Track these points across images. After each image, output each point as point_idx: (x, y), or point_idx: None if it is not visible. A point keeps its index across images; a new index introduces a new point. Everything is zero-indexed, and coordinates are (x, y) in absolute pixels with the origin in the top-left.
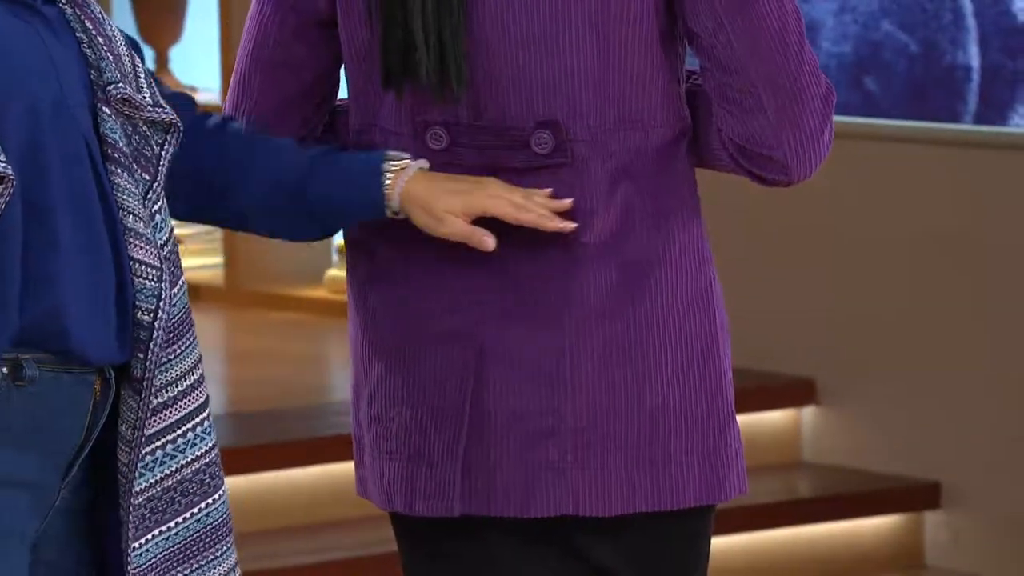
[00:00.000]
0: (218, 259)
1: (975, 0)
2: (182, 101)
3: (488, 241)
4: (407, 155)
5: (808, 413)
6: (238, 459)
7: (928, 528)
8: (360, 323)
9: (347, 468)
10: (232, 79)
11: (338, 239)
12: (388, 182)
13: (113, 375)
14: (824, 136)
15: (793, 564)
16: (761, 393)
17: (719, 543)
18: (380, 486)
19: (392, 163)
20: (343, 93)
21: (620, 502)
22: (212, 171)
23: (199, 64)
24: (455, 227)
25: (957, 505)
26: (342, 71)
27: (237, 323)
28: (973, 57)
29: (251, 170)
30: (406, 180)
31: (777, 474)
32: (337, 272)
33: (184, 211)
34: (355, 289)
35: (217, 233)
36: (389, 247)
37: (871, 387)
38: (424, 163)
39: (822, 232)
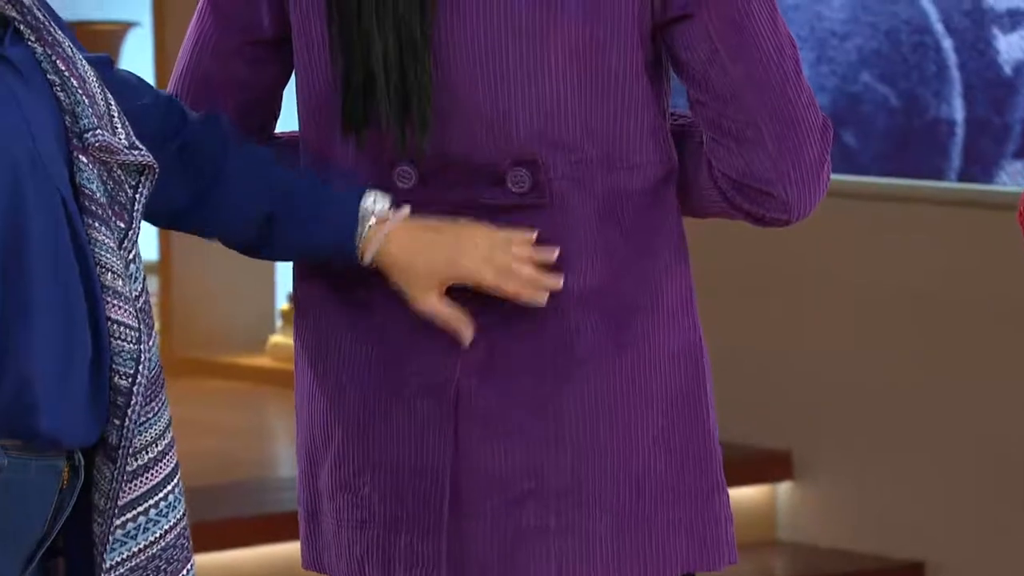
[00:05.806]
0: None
1: (959, 51)
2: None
3: (466, 333)
4: (387, 197)
5: (784, 488)
6: None
7: None
8: (316, 385)
9: (295, 547)
10: (167, 91)
11: (282, 303)
12: (366, 234)
13: (83, 462)
14: (824, 170)
15: None
16: (733, 466)
17: None
18: (349, 558)
19: (371, 207)
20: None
21: (607, 569)
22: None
23: None
24: (432, 308)
25: None
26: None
27: (173, 393)
28: (957, 111)
29: (231, 178)
30: (385, 236)
31: (751, 554)
32: (280, 338)
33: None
34: (310, 350)
35: (152, 297)
36: (349, 300)
37: (851, 460)
38: (406, 211)
39: (799, 296)
